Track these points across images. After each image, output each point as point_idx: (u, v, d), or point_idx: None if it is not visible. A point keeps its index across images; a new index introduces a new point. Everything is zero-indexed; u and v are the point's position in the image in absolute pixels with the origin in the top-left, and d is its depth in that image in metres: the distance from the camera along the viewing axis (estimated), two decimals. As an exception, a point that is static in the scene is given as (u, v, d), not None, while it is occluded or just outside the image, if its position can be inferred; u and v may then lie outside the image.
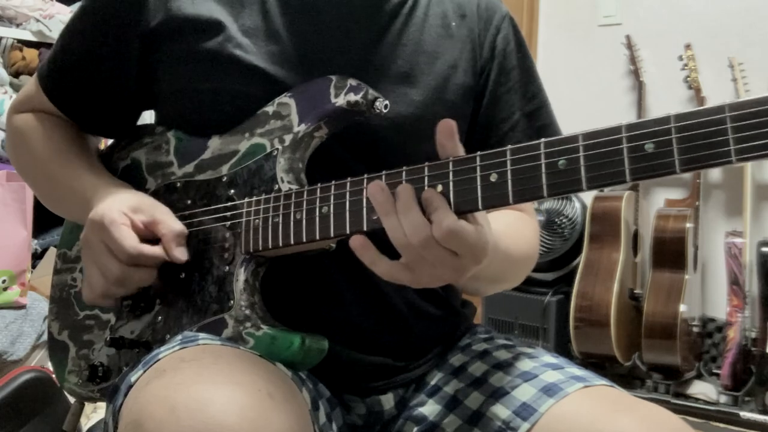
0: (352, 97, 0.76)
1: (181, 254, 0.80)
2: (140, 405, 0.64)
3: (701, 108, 0.55)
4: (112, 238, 0.78)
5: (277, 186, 0.78)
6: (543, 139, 0.62)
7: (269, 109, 0.82)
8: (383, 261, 0.68)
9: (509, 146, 0.64)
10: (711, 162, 0.54)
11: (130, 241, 0.78)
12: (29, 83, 0.99)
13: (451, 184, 0.66)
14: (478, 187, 0.64)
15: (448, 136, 0.67)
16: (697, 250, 2.52)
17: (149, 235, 0.81)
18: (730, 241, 2.45)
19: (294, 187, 0.78)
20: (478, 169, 0.65)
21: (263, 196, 0.78)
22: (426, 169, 0.67)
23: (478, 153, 0.65)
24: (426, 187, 0.67)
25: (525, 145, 0.63)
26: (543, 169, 0.61)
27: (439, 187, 0.66)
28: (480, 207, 0.64)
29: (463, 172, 0.65)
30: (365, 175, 0.71)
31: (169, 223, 0.81)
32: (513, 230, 0.87)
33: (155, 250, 0.80)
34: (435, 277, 0.69)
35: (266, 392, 0.64)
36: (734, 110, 0.53)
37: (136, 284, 0.81)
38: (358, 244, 0.68)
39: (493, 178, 0.64)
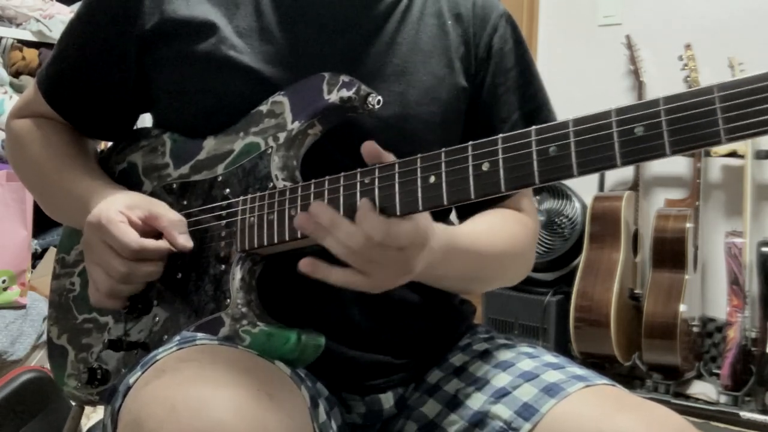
0: (345, 93, 0.77)
1: (185, 241, 0.80)
2: (140, 405, 0.64)
3: (690, 90, 0.55)
4: (112, 236, 0.78)
5: (271, 184, 0.78)
6: (534, 127, 0.62)
7: (263, 108, 0.82)
8: (336, 271, 0.71)
9: (500, 135, 0.64)
10: (701, 143, 0.54)
11: (131, 236, 0.78)
12: (29, 89, 0.99)
13: (443, 175, 0.66)
14: (470, 177, 0.64)
15: (372, 158, 0.70)
16: (697, 250, 2.52)
17: (149, 230, 0.81)
18: (730, 241, 2.45)
19: (288, 184, 0.78)
20: (470, 158, 0.65)
21: (258, 194, 0.78)
22: (419, 161, 0.67)
23: (470, 143, 0.65)
24: (358, 196, 0.69)
25: (516, 133, 0.63)
26: (534, 157, 0.61)
27: (432, 179, 0.66)
28: (472, 197, 0.64)
29: (455, 162, 0.65)
30: (358, 170, 0.71)
31: (168, 214, 0.81)
32: (487, 228, 0.87)
33: (158, 243, 0.80)
34: (389, 277, 0.71)
35: (265, 392, 0.64)
36: (723, 90, 0.53)
37: (142, 279, 0.81)
38: (307, 269, 0.71)
39: (485, 167, 0.64)
